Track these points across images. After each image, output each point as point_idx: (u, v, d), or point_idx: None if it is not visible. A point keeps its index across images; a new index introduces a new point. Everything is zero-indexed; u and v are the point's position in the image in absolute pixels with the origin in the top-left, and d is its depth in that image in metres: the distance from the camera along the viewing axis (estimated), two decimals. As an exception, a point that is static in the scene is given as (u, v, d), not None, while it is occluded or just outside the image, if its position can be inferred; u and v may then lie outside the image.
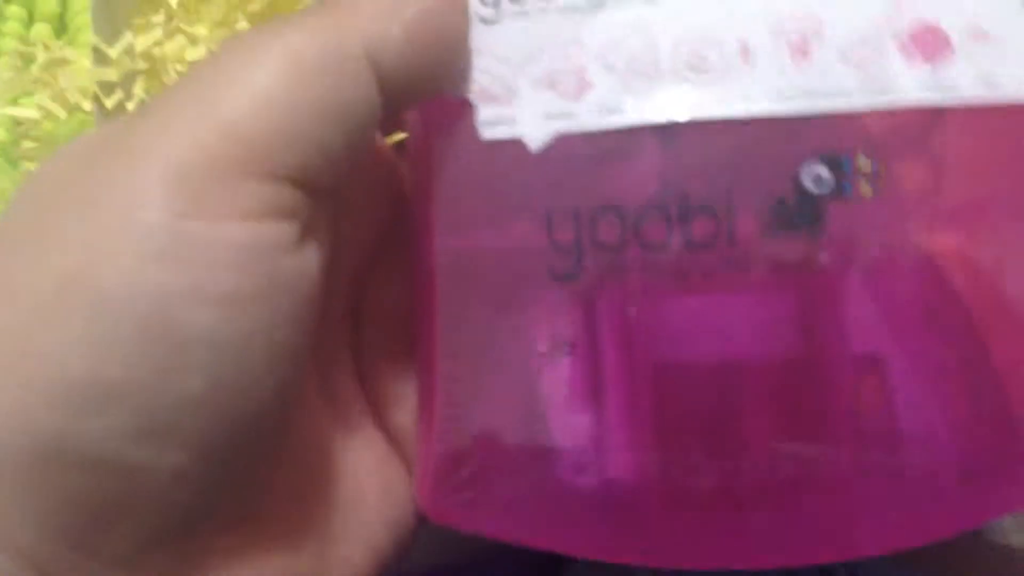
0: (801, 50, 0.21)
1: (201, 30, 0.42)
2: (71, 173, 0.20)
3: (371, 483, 0.25)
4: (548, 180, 0.22)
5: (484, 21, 0.21)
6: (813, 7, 0.21)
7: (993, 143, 0.22)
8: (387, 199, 0.26)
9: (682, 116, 0.21)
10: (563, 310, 0.22)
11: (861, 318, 0.22)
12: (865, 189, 0.21)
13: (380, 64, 0.20)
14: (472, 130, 0.22)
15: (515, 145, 0.21)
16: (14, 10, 0.48)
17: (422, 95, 0.21)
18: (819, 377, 0.22)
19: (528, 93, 0.21)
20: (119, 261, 0.18)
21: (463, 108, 0.22)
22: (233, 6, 0.42)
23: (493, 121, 0.21)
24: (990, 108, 0.21)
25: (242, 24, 0.42)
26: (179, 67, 0.42)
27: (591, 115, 0.21)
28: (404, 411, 0.25)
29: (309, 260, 0.20)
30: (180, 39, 0.42)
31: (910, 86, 0.21)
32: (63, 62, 0.42)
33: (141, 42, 0.41)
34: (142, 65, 0.42)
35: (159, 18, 0.42)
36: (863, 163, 0.21)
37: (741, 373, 0.22)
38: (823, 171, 0.21)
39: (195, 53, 0.42)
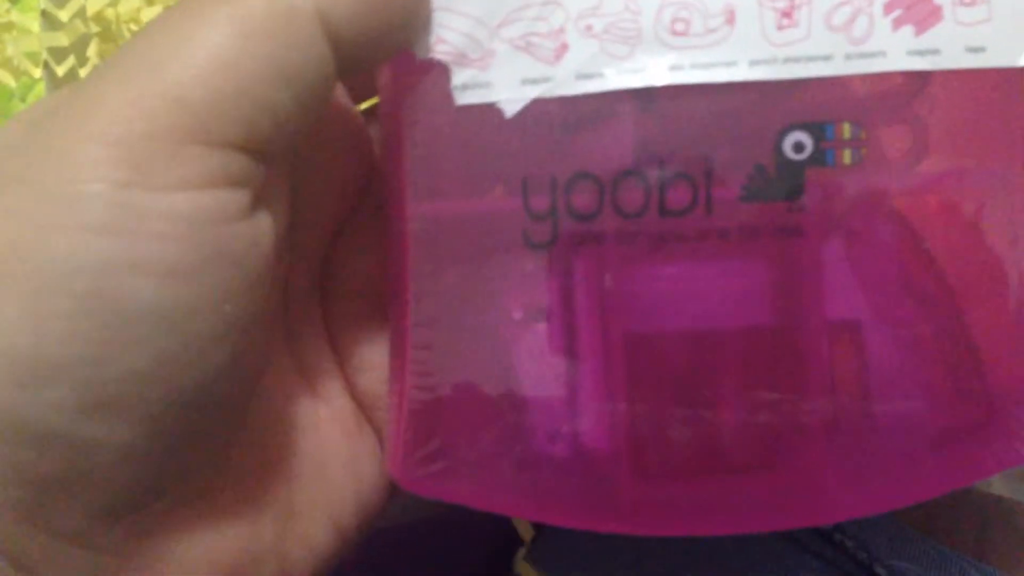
0: (786, 14, 0.20)
1: (156, -10, 0.41)
2: (15, 142, 0.19)
3: (337, 458, 0.24)
4: (523, 146, 0.21)
5: None
6: None
7: (976, 109, 0.22)
8: (356, 165, 0.25)
9: (661, 81, 0.21)
10: (538, 277, 0.22)
11: (838, 284, 0.22)
12: (847, 157, 0.21)
13: (331, 21, 0.19)
14: (444, 93, 0.21)
15: (489, 109, 0.21)
16: (-41, -31, 0.46)
17: (378, 54, 0.21)
18: (794, 343, 0.22)
19: (504, 56, 0.21)
20: (59, 233, 0.18)
21: (435, 70, 0.21)
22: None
23: (467, 85, 0.21)
24: (974, 74, 0.21)
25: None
26: (134, 28, 0.40)
27: (568, 80, 0.21)
28: (375, 378, 0.25)
29: (261, 229, 0.20)
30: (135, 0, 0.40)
31: (896, 52, 0.20)
32: (10, 27, 0.40)
33: (93, 3, 0.40)
34: (95, 28, 0.40)
35: (111, -22, 0.40)
36: (846, 130, 0.21)
37: (716, 340, 0.22)
38: (804, 138, 0.21)
39: (151, 13, 0.40)
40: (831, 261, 0.22)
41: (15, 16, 0.41)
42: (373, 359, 0.25)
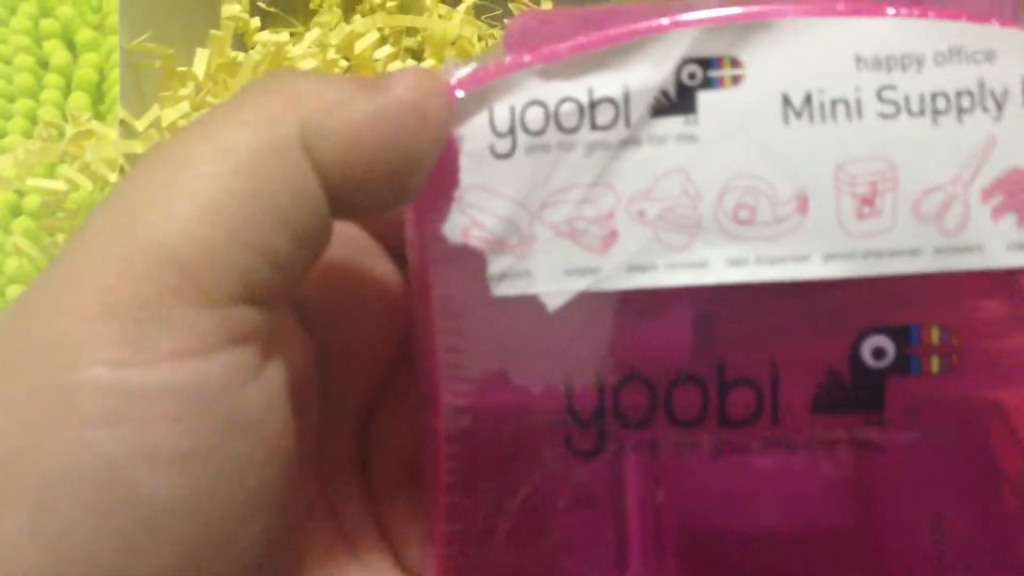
0: (867, 200, 0.18)
1: (230, 103, 0.40)
2: (6, 328, 0.18)
3: None
4: (567, 342, 0.19)
5: (496, 154, 0.19)
6: (888, 150, 0.18)
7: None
8: (391, 323, 0.23)
9: (721, 279, 0.18)
10: (583, 484, 0.20)
11: (915, 489, 0.19)
12: (934, 365, 0.18)
13: (319, 160, 0.17)
14: (479, 274, 0.19)
15: (530, 298, 0.19)
16: (53, 78, 0.47)
17: (375, 199, 0.18)
18: (866, 546, 0.20)
19: (546, 243, 0.19)
20: (60, 431, 0.16)
21: (471, 250, 0.19)
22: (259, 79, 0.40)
23: (505, 274, 0.19)
24: None
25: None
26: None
27: (618, 273, 0.18)
28: (420, 550, 0.23)
29: (274, 386, 0.18)
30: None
31: (996, 246, 0.18)
32: (90, 135, 0.40)
33: (168, 115, 0.40)
34: (168, 138, 0.40)
35: (186, 90, 0.40)
36: (934, 335, 0.18)
37: (778, 542, 0.20)
38: (885, 343, 0.18)
39: (223, 127, 0.40)
40: (909, 467, 0.19)
41: (96, 126, 0.41)
42: (417, 529, 0.23)
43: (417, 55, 0.42)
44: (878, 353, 0.18)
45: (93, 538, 0.16)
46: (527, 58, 0.18)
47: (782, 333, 0.19)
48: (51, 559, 0.16)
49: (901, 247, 0.18)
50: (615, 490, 0.20)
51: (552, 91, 0.18)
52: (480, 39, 0.42)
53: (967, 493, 0.19)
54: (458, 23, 0.41)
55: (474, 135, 0.18)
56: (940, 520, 0.19)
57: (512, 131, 0.18)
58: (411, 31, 0.43)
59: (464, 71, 0.19)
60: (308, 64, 0.39)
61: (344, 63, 0.40)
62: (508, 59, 0.19)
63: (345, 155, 0.18)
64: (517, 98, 0.18)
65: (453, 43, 0.41)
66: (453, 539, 0.20)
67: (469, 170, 0.19)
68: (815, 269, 0.18)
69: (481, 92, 0.18)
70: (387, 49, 0.40)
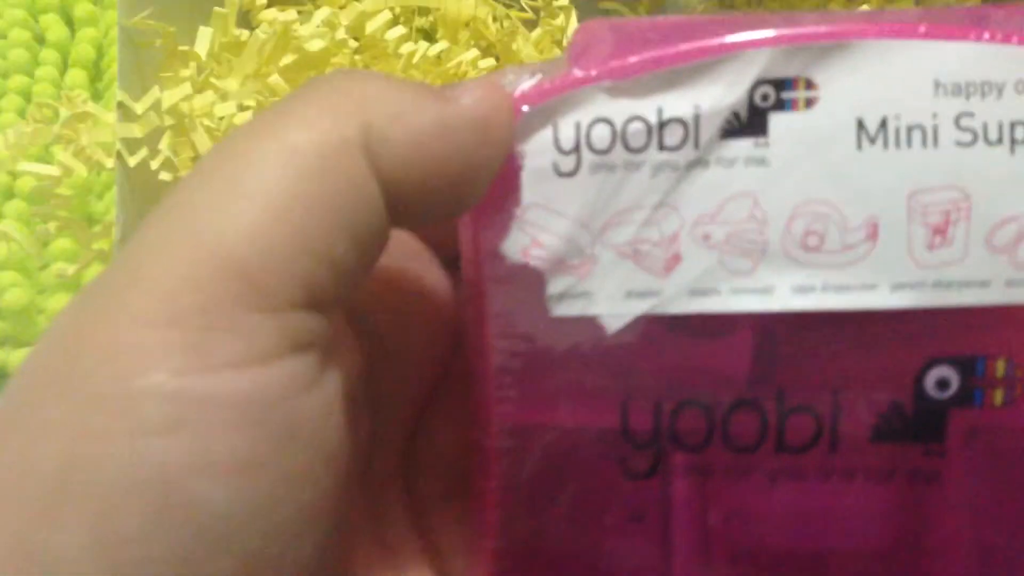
0: (939, 230, 0.18)
1: (232, 84, 0.39)
2: (61, 335, 0.17)
3: None
4: (623, 363, 0.19)
5: (560, 173, 0.18)
6: (963, 179, 0.17)
7: None
8: (440, 332, 0.23)
9: (786, 306, 0.18)
10: (634, 497, 0.19)
11: (969, 519, 0.19)
12: (998, 398, 0.18)
13: (379, 166, 0.17)
14: (537, 292, 0.19)
15: (588, 318, 0.18)
16: (49, 54, 0.45)
17: (429, 214, 0.18)
18: (919, 569, 0.20)
19: (607, 265, 0.18)
20: (118, 441, 0.15)
21: (529, 269, 0.19)
22: (265, 59, 0.39)
23: (564, 294, 0.18)
24: None
25: (274, 78, 0.39)
26: (207, 122, 0.39)
27: (680, 297, 0.18)
28: (463, 562, 0.23)
29: (333, 394, 0.18)
30: (209, 94, 0.39)
31: None
32: (86, 117, 0.39)
33: (169, 96, 0.38)
34: (169, 121, 0.39)
35: (188, 71, 0.39)
36: (1000, 368, 0.18)
37: (828, 564, 0.20)
38: (950, 374, 0.18)
39: (225, 109, 0.39)
40: (967, 502, 0.19)
41: (92, 107, 0.40)
42: (464, 543, 0.23)
43: (429, 36, 0.41)
44: (942, 384, 0.18)
45: (151, 548, 0.15)
46: (594, 72, 0.18)
47: (845, 361, 0.18)
48: (109, 569, 0.15)
49: (972, 278, 0.18)
50: (665, 509, 0.19)
51: (620, 109, 0.18)
52: (495, 19, 0.41)
53: (1020, 526, 0.19)
54: (472, 3, 0.40)
55: (537, 152, 0.18)
56: (992, 552, 0.19)
57: (577, 149, 0.18)
58: (423, 11, 0.42)
59: (528, 82, 0.18)
60: (316, 45, 0.38)
61: (354, 43, 0.39)
62: (575, 72, 0.18)
63: (405, 163, 0.17)
64: (583, 115, 0.18)
65: (467, 24, 0.40)
66: (501, 556, 0.20)
67: (531, 188, 0.18)
68: (883, 298, 0.18)
69: (546, 107, 0.18)
70: (399, 30, 0.39)
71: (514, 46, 0.39)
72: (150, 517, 0.15)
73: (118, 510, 0.15)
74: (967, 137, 0.17)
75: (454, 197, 0.18)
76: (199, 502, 0.16)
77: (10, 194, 0.43)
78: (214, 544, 0.16)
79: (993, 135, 0.17)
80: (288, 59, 0.39)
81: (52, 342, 0.17)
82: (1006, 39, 0.17)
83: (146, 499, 0.15)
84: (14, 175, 0.42)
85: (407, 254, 0.21)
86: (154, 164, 0.39)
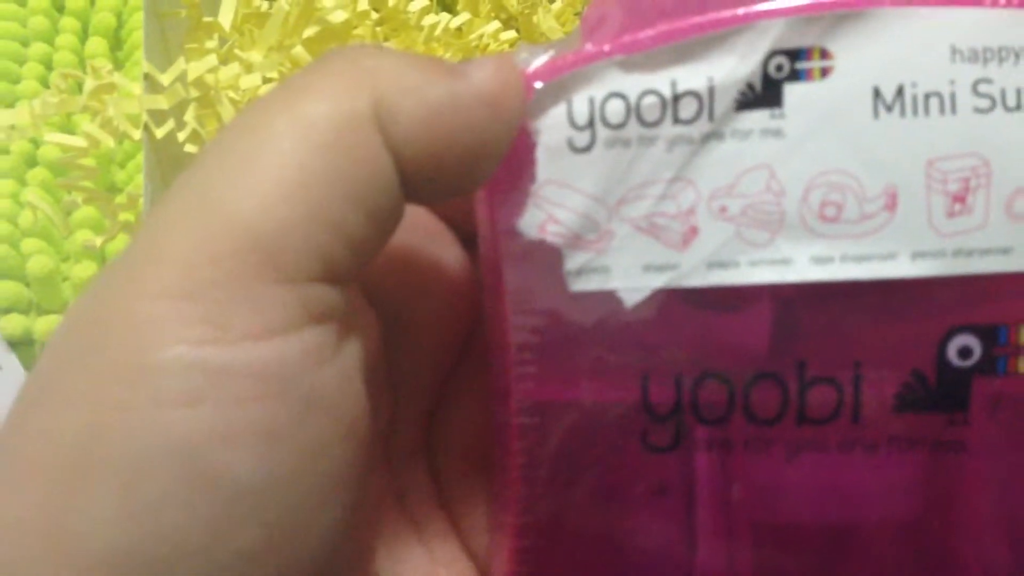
0: (958, 198, 0.17)
1: (256, 56, 0.39)
2: (84, 310, 0.17)
3: None
4: (643, 337, 0.19)
5: (574, 148, 0.18)
6: (981, 145, 0.17)
7: None
8: (460, 310, 0.23)
9: (805, 276, 0.18)
10: (656, 470, 0.20)
11: (994, 489, 0.19)
12: (1020, 365, 0.18)
13: (391, 139, 0.17)
14: (554, 267, 0.19)
15: (606, 293, 0.19)
16: (69, 22, 0.45)
17: (441, 190, 0.18)
18: (942, 542, 0.20)
19: (624, 239, 0.18)
20: (141, 412, 0.16)
21: (546, 245, 0.19)
22: (288, 31, 0.39)
23: (582, 269, 0.18)
24: None
25: (298, 50, 0.39)
26: (232, 94, 0.39)
27: (698, 269, 0.18)
28: (487, 536, 0.23)
29: (351, 365, 0.18)
30: (234, 66, 0.39)
31: None
32: (112, 88, 0.39)
33: (194, 68, 0.39)
34: (194, 93, 0.39)
35: (213, 43, 0.39)
36: (1022, 335, 0.18)
37: (851, 536, 0.20)
38: (972, 342, 0.18)
39: (250, 81, 0.39)
40: (992, 472, 0.19)
41: (117, 78, 0.40)
42: (489, 519, 0.23)
43: (450, 8, 0.41)
44: (964, 352, 0.18)
45: (178, 516, 0.16)
46: (607, 47, 0.18)
47: (866, 331, 0.18)
48: (138, 537, 0.16)
49: (992, 246, 0.17)
50: (687, 481, 0.20)
51: (633, 83, 0.18)
52: (514, -10, 0.41)
53: None
54: (492, -26, 0.40)
55: (552, 128, 0.18)
56: (1018, 521, 0.19)
57: (591, 124, 0.18)
58: (444, -18, 0.42)
59: (541, 59, 0.18)
60: (338, 16, 0.38)
61: (376, 15, 0.39)
62: (587, 47, 0.18)
63: (417, 137, 0.17)
64: (597, 90, 0.18)
65: (486, -6, 0.40)
66: (525, 532, 0.20)
67: (546, 164, 0.18)
68: (903, 268, 0.18)
69: (559, 83, 0.18)
70: (421, 2, 0.39)
71: (535, 18, 0.39)
72: (175, 486, 0.16)
73: (143, 479, 0.16)
74: (985, 103, 0.17)
75: (466, 172, 0.18)
76: (222, 472, 0.16)
77: (33, 161, 0.43)
78: (239, 513, 0.16)
79: (1012, 101, 0.17)
80: (311, 31, 0.39)
81: (76, 317, 0.18)
82: (1022, 4, 0.17)
83: (171, 469, 0.16)
84: (36, 143, 0.42)
85: (425, 232, 0.21)
86: (181, 136, 0.39)
